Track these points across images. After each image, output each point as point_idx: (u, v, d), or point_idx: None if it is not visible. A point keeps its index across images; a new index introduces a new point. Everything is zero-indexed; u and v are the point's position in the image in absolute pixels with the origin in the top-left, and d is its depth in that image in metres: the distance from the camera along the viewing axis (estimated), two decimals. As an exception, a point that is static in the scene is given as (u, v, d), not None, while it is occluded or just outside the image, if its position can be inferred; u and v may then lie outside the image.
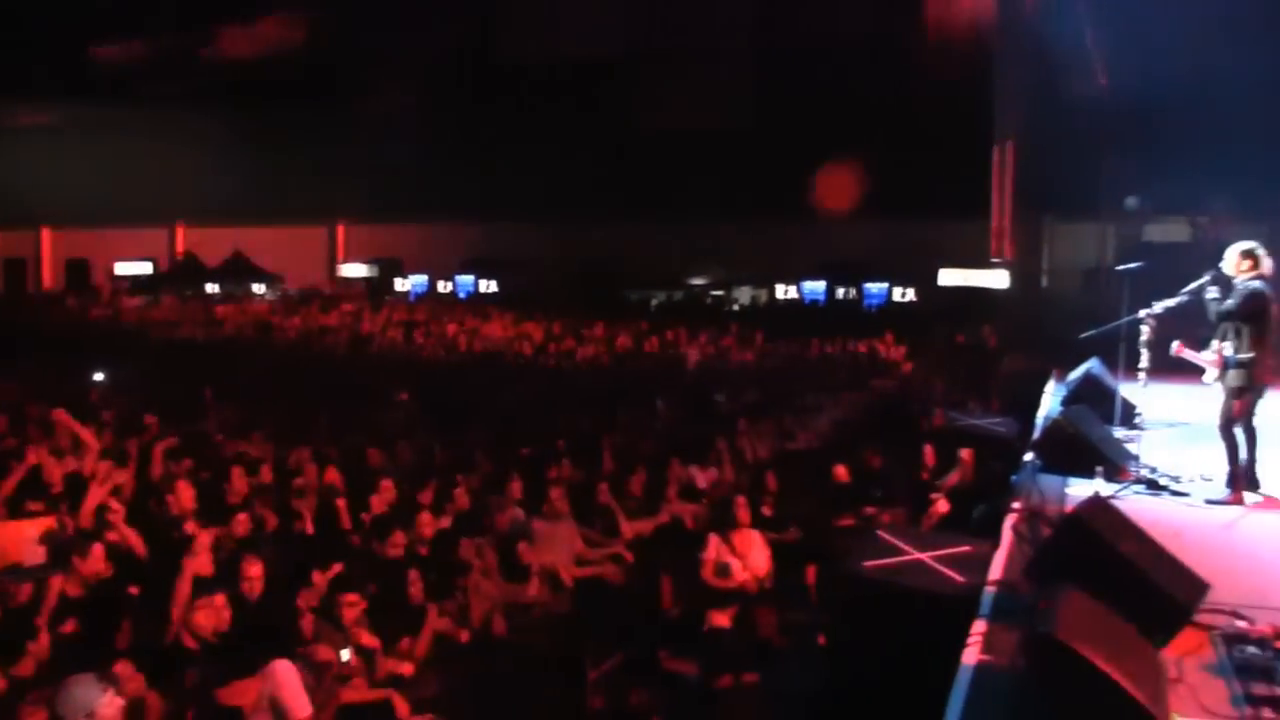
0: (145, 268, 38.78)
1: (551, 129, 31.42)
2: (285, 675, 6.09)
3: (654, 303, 29.45)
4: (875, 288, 29.55)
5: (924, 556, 6.44)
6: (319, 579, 7.53)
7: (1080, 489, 8.52)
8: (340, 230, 37.09)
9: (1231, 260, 8.70)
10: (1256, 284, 8.51)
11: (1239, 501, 8.52)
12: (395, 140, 31.79)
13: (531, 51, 31.48)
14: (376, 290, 33.77)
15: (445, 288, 34.00)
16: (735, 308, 29.13)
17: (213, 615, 6.68)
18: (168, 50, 37.92)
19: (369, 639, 7.09)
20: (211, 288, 35.21)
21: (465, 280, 33.89)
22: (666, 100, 30.98)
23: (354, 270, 36.26)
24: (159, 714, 6.13)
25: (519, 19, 32.04)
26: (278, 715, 5.97)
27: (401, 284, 34.52)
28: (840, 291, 30.13)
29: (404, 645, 7.26)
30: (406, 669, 7.18)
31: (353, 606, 7.14)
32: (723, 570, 9.16)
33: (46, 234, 41.86)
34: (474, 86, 32.16)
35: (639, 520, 10.16)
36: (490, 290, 33.32)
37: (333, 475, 10.29)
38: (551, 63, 31.28)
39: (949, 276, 27.85)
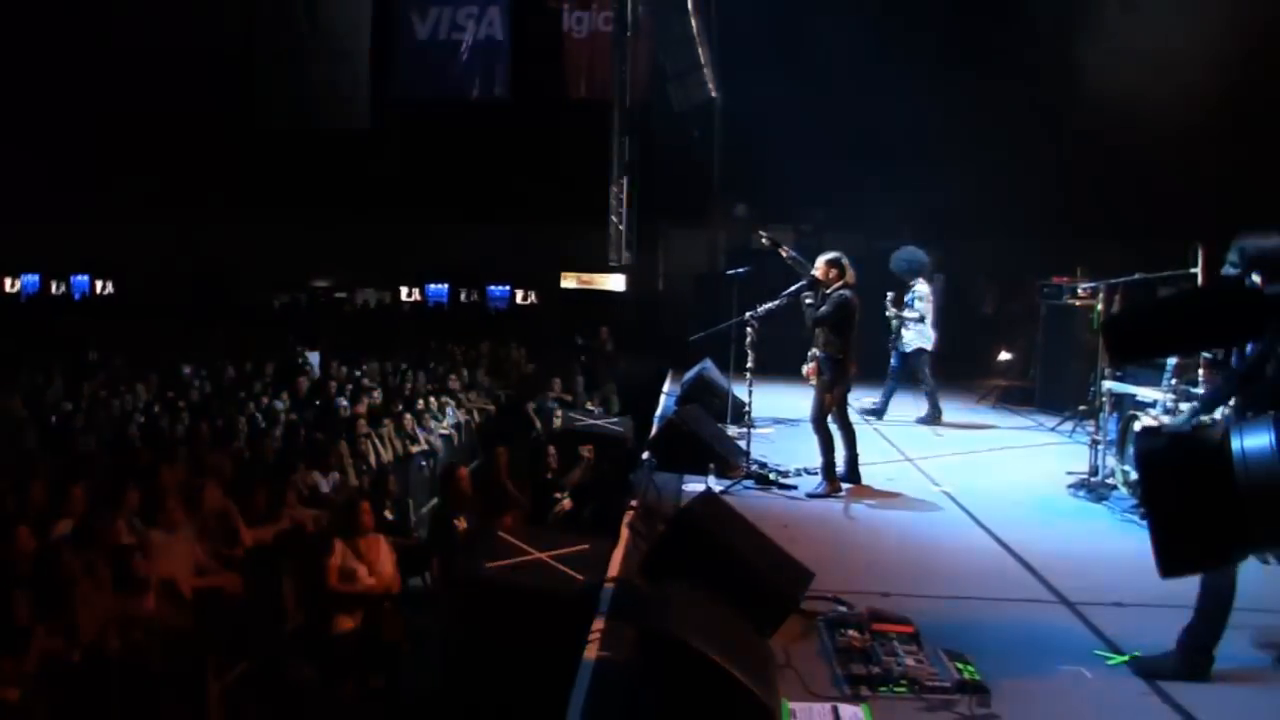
0: None
1: (171, 124, 29.87)
2: None
3: (276, 304, 28.34)
4: (498, 290, 29.66)
5: (543, 555, 6.41)
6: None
7: (694, 486, 8.78)
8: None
9: (820, 269, 9.25)
10: (845, 292, 9.11)
11: (835, 491, 9.03)
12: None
13: (146, 40, 29.79)
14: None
15: (59, 289, 31.49)
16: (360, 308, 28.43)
17: None
18: None
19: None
20: None
21: (80, 281, 31.62)
22: (285, 98, 30.07)
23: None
24: None
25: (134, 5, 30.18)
26: None
27: (11, 284, 31.70)
28: (463, 294, 30.05)
29: (7, 667, 6.54)
30: (11, 694, 6.49)
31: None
32: (347, 575, 8.86)
33: None
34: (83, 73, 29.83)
35: (259, 528, 9.65)
36: (107, 292, 31.15)
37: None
38: (170, 55, 29.65)
39: (570, 280, 28.32)
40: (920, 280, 12.75)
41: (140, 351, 18.25)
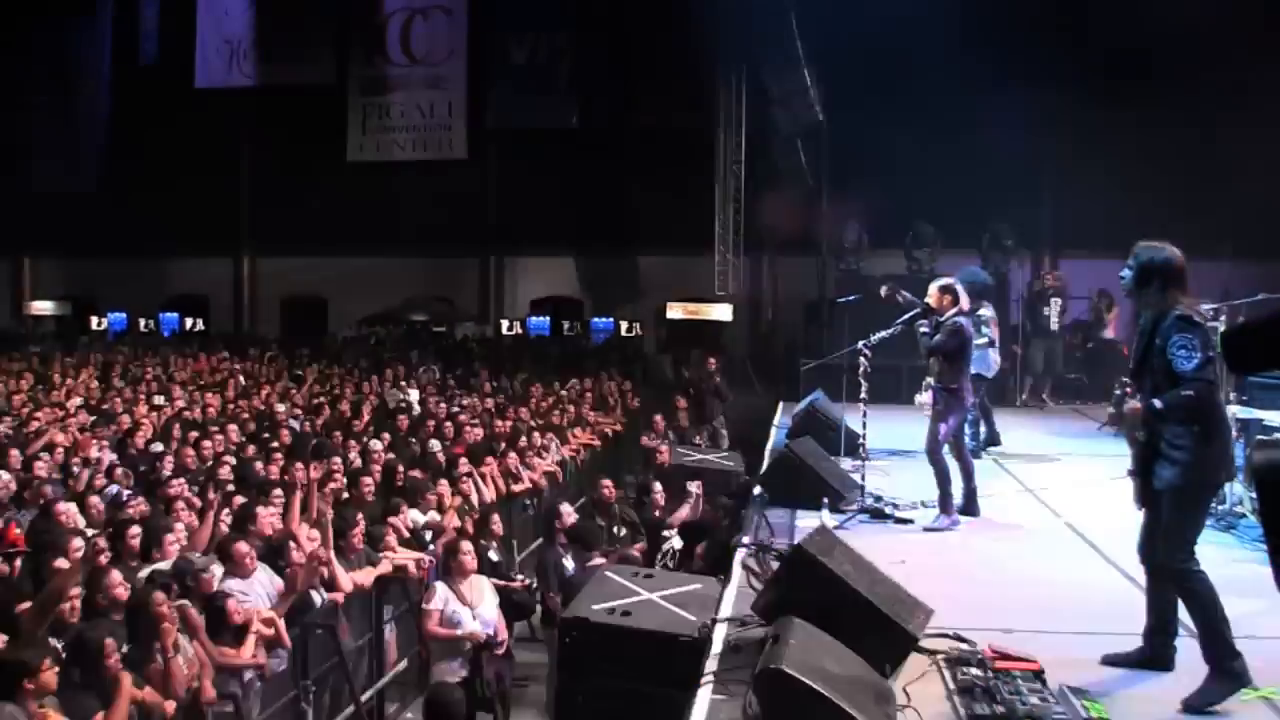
0: None
1: (260, 157, 30.74)
2: None
3: (372, 340, 28.72)
4: (600, 322, 29.70)
5: (654, 596, 6.32)
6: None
7: (808, 521, 8.63)
8: (25, 264, 34.53)
9: (933, 296, 9.09)
10: (959, 320, 8.94)
11: (953, 524, 8.82)
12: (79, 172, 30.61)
13: (237, 77, 30.78)
14: (70, 329, 31.65)
15: (148, 326, 32.21)
16: (458, 342, 28.65)
17: None
18: None
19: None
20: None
21: (170, 318, 32.32)
22: (381, 129, 30.64)
23: (44, 307, 33.99)
24: None
25: (224, 43, 31.14)
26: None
27: (98, 322, 32.57)
28: (565, 326, 30.17)
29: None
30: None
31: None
32: (450, 620, 8.85)
33: None
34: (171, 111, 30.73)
35: (359, 570, 9.66)
36: (198, 329, 31.84)
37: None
38: (260, 89, 30.48)
39: (677, 310, 28.28)
40: (986, 304, 12.15)
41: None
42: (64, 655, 6.48)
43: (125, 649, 6.83)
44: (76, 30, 31.59)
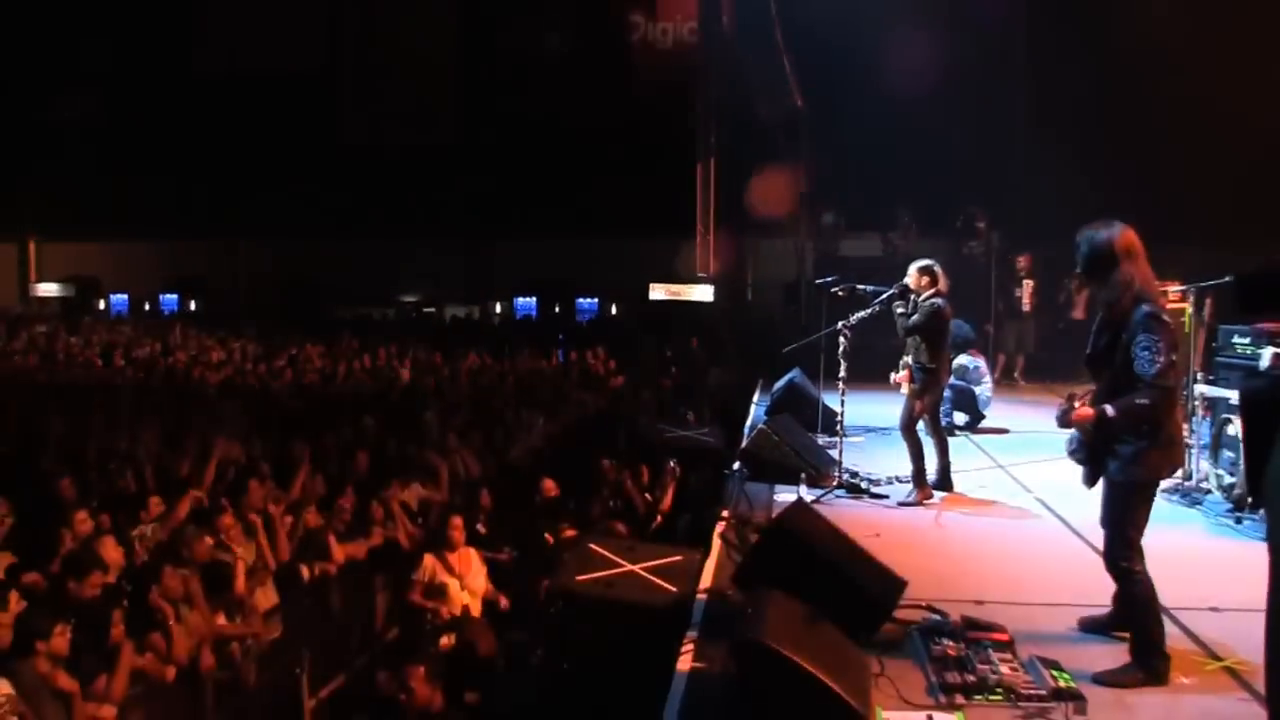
0: None
1: (252, 143, 30.60)
2: None
3: (376, 315, 28.87)
4: (587, 303, 29.81)
5: (635, 568, 6.46)
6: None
7: (786, 495, 8.80)
8: (31, 248, 34.83)
9: (912, 276, 9.26)
10: (937, 301, 9.11)
11: (927, 499, 9.01)
12: (86, 154, 30.79)
13: (228, 65, 30.67)
14: (74, 310, 31.85)
15: (149, 308, 32.32)
16: (448, 322, 28.76)
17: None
18: None
19: (67, 682, 6.56)
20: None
21: (169, 299, 32.36)
22: (371, 114, 30.66)
23: (48, 289, 34.10)
24: None
25: (215, 32, 31.08)
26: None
27: (101, 304, 32.61)
28: (553, 307, 30.25)
29: (100, 686, 6.74)
30: (107, 712, 6.68)
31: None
32: (437, 590, 8.99)
33: None
34: (168, 100, 30.86)
35: (350, 543, 9.83)
36: (196, 310, 31.92)
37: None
38: (251, 76, 30.44)
39: (658, 291, 28.35)
40: (974, 353, 13.05)
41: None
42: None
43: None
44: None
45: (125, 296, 32.90)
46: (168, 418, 14.04)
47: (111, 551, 8.22)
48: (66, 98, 31.41)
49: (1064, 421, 6.05)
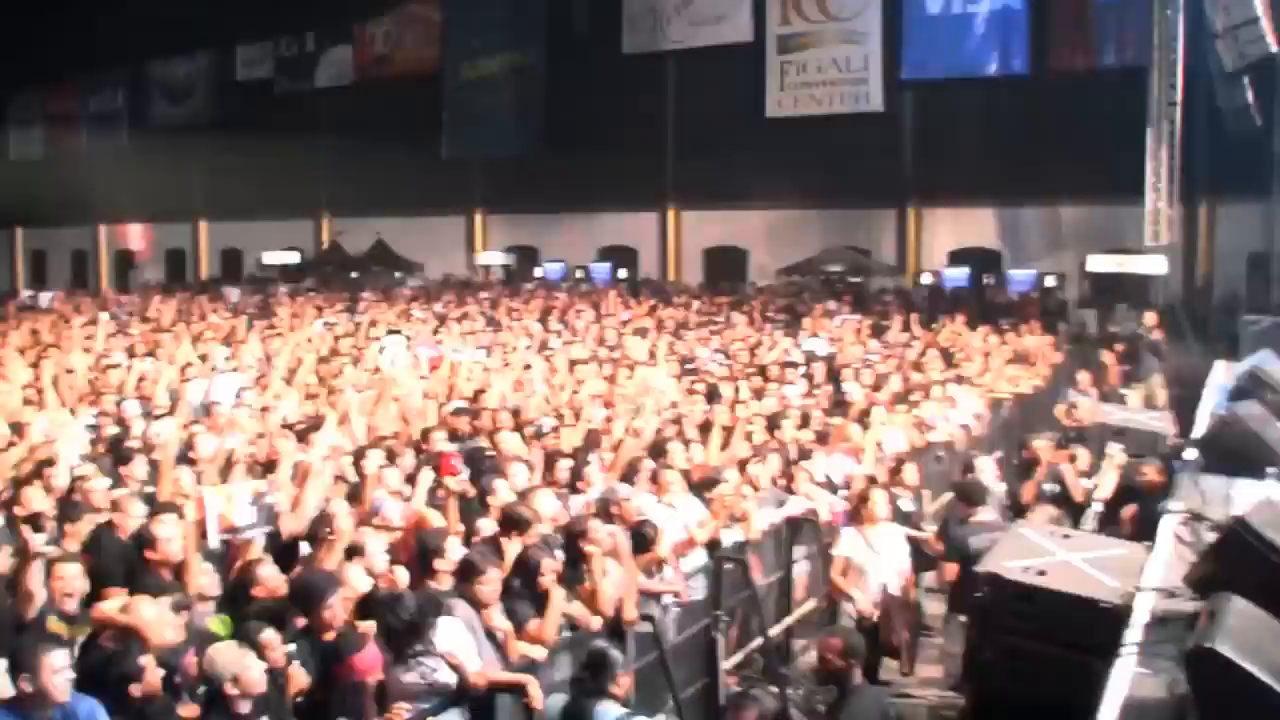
0: (293, 257, 40.26)
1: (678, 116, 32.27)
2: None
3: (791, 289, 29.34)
4: (1020, 274, 28.64)
5: (1072, 557, 6.03)
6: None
7: (1248, 491, 7.99)
8: (478, 219, 38.14)
9: None
10: None
11: None
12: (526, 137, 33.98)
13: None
14: (513, 277, 34.57)
15: (579, 276, 34.41)
16: (874, 293, 28.63)
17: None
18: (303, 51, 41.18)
19: (500, 622, 6.96)
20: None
21: (601, 268, 34.19)
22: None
23: (492, 258, 36.97)
24: (300, 685, 6.13)
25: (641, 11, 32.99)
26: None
27: (539, 271, 34.92)
28: (984, 279, 29.37)
29: (531, 630, 7.11)
30: (539, 654, 7.04)
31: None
32: (854, 566, 8.92)
33: (203, 226, 44.91)
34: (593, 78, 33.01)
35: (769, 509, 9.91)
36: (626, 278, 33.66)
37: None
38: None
39: (1098, 262, 26.78)
40: None
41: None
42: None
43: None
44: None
45: (561, 265, 35.00)
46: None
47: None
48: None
49: None
